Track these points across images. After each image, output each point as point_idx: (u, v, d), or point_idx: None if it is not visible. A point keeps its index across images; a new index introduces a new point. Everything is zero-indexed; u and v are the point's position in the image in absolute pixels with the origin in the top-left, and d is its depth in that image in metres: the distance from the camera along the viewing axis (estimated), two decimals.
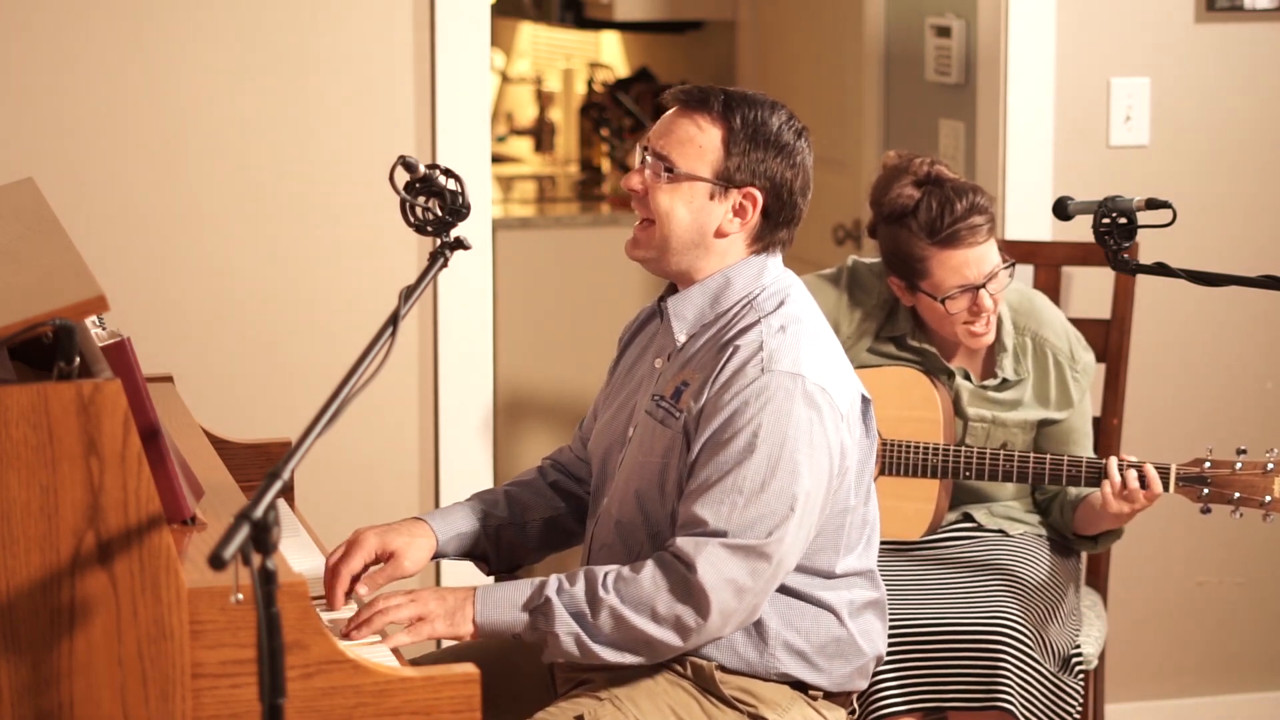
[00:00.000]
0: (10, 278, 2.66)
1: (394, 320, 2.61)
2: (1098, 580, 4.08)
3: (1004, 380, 3.73)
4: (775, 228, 2.94)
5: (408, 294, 2.66)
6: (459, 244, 2.79)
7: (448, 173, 2.78)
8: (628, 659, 2.82)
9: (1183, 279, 3.18)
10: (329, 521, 3.80)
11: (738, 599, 2.79)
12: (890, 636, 3.43)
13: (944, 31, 4.67)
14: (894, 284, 3.70)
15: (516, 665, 3.08)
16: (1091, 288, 4.36)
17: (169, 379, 3.51)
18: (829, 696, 2.99)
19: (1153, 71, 4.46)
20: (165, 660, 2.44)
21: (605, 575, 2.80)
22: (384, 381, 4.10)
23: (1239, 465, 3.46)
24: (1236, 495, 3.46)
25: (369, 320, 4.16)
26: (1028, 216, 4.43)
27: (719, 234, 2.91)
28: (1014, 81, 4.40)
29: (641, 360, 3.06)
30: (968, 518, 3.79)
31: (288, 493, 3.33)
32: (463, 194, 2.78)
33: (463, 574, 4.06)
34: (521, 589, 2.82)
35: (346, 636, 2.74)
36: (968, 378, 3.73)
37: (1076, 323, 3.87)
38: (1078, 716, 3.56)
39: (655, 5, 6.46)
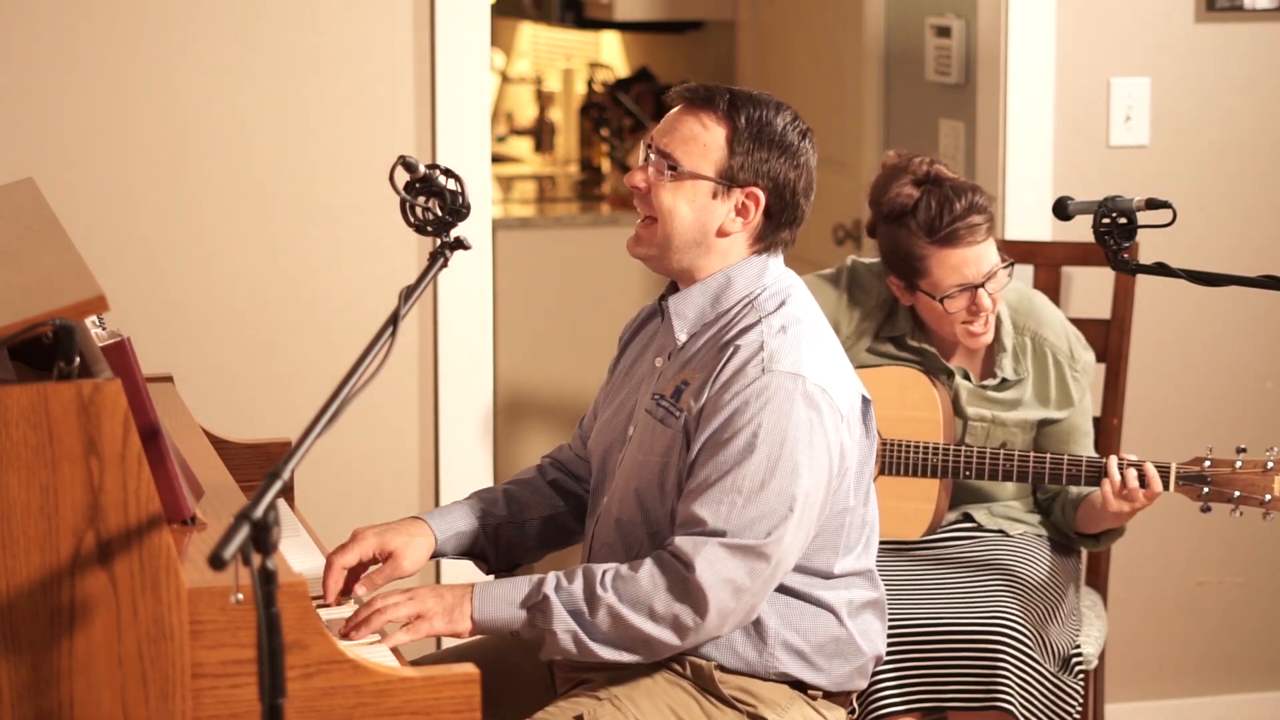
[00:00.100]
0: (10, 278, 2.66)
1: (394, 320, 2.61)
2: (1098, 580, 4.08)
3: (1003, 380, 3.73)
4: (777, 228, 2.94)
5: (408, 294, 2.66)
6: (459, 244, 2.79)
7: (448, 173, 2.78)
8: (625, 657, 2.82)
9: (1183, 279, 3.18)
10: (329, 521, 3.80)
11: (736, 599, 2.79)
12: (890, 636, 3.43)
13: (944, 31, 4.67)
14: (893, 284, 3.70)
15: (516, 665, 3.08)
16: (1091, 288, 4.36)
17: (169, 379, 3.51)
18: (828, 696, 2.99)
19: (1153, 71, 4.46)
20: (165, 660, 2.44)
21: (603, 573, 2.80)
22: (384, 381, 4.10)
23: (1239, 464, 3.46)
24: (1236, 494, 3.46)
25: (369, 320, 4.16)
26: (1028, 216, 4.43)
27: (721, 233, 2.91)
28: (1014, 81, 4.40)
29: (642, 359, 3.06)
30: (968, 517, 3.79)
31: (288, 493, 3.33)
32: (463, 194, 2.78)
33: (462, 573, 4.06)
34: (519, 586, 2.82)
35: (345, 636, 2.74)
36: (967, 377, 3.73)
37: (1076, 323, 3.87)
38: (1078, 716, 3.56)
39: (655, 5, 6.46)
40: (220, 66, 4.09)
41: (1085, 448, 3.76)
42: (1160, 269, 3.20)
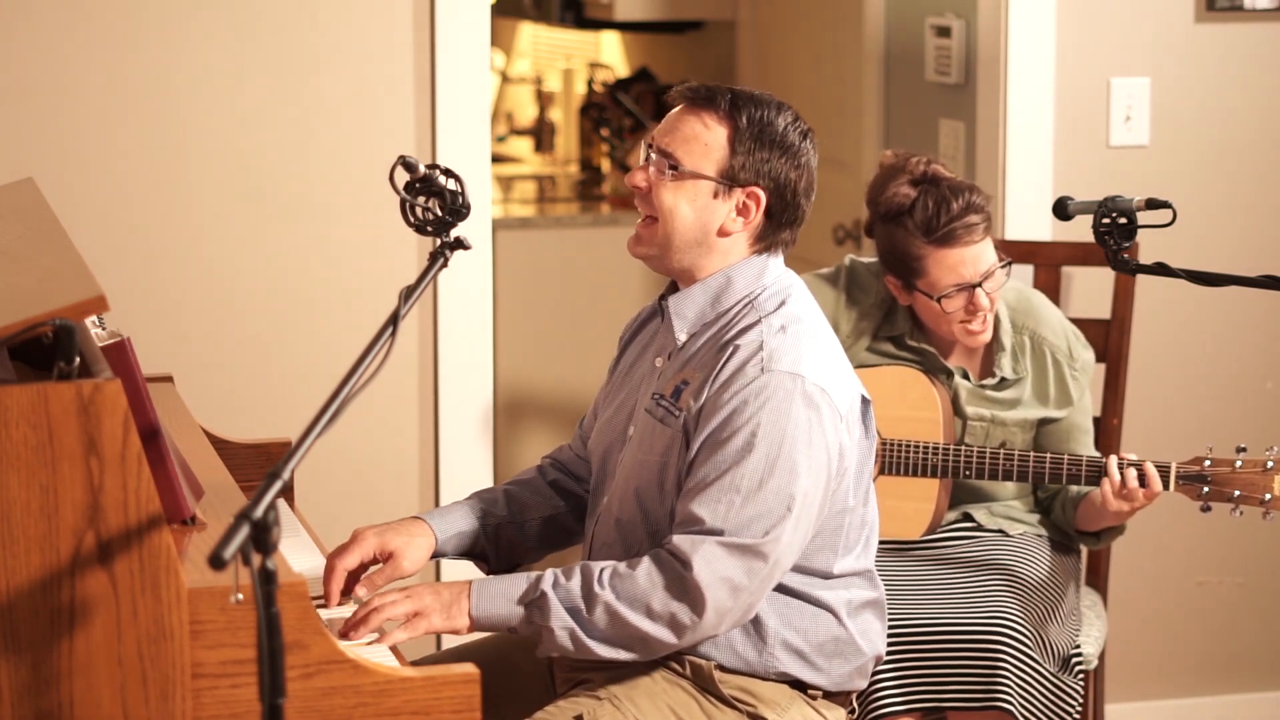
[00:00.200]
0: (10, 278, 2.66)
1: (394, 320, 2.61)
2: (1098, 580, 4.08)
3: (1002, 379, 3.73)
4: (778, 228, 2.94)
5: (408, 294, 2.66)
6: (459, 244, 2.79)
7: (448, 173, 2.78)
8: (622, 655, 2.82)
9: (1183, 279, 3.18)
10: (329, 521, 3.80)
11: (733, 597, 2.79)
12: (890, 636, 3.43)
13: (944, 31, 4.67)
14: (891, 283, 3.70)
15: (516, 665, 3.08)
16: (1091, 288, 4.36)
17: (169, 379, 3.51)
18: (828, 696, 2.99)
19: (1153, 71, 4.46)
20: (165, 660, 2.44)
21: (601, 571, 2.81)
22: (384, 381, 4.10)
23: (1239, 464, 3.46)
24: (1236, 494, 3.46)
25: (369, 320, 4.16)
26: (1028, 216, 4.43)
27: (722, 233, 2.91)
28: (1014, 81, 4.40)
29: (642, 359, 3.06)
30: (967, 517, 3.79)
31: (288, 493, 3.33)
32: (463, 194, 2.78)
33: (462, 573, 4.05)
34: (517, 582, 2.82)
35: (345, 636, 2.74)
36: (966, 377, 3.73)
37: (1076, 323, 3.87)
38: (1078, 716, 3.56)
39: (655, 5, 6.46)
40: (220, 66, 4.09)
41: (1085, 446, 3.76)
42: (1160, 269, 3.20)
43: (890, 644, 3.45)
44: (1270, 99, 4.52)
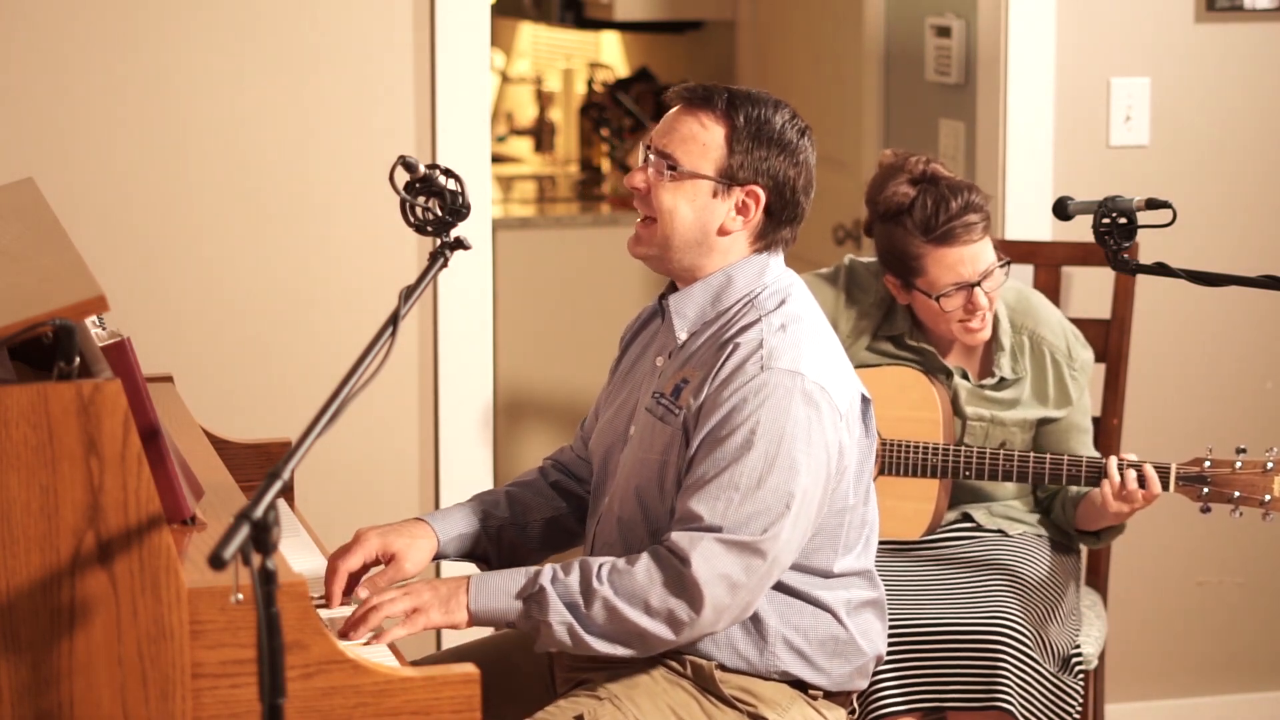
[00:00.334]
0: (10, 278, 2.66)
1: (394, 320, 2.61)
2: (1098, 580, 4.08)
3: (1001, 379, 3.73)
4: (778, 226, 2.94)
5: (408, 294, 2.66)
6: (459, 244, 2.80)
7: (448, 173, 2.78)
8: (620, 651, 2.82)
9: (1183, 279, 3.18)
10: (329, 521, 3.80)
11: (731, 594, 2.79)
12: (890, 636, 3.43)
13: (944, 31, 4.67)
14: (890, 282, 3.70)
15: (516, 665, 3.09)
16: (1091, 288, 4.36)
17: (169, 379, 3.51)
18: (829, 696, 2.99)
19: (1153, 71, 4.46)
20: (165, 660, 2.44)
21: (600, 566, 2.81)
22: (384, 381, 4.10)
23: (1239, 464, 3.46)
24: (1236, 494, 3.46)
25: (369, 320, 4.16)
26: (1028, 216, 4.43)
27: (721, 232, 2.91)
28: (1014, 81, 4.40)
29: (643, 359, 3.06)
30: (967, 517, 3.79)
31: (288, 493, 3.33)
32: (463, 194, 2.78)
33: (462, 573, 4.06)
34: (516, 577, 2.83)
35: (344, 636, 2.74)
36: (965, 377, 3.73)
37: (1076, 323, 3.87)
38: (1078, 716, 3.56)
39: (655, 5, 6.46)
40: (220, 66, 4.09)
41: (1085, 446, 3.76)
42: (1160, 269, 3.20)
43: (890, 644, 3.45)
44: (1270, 99, 4.52)
